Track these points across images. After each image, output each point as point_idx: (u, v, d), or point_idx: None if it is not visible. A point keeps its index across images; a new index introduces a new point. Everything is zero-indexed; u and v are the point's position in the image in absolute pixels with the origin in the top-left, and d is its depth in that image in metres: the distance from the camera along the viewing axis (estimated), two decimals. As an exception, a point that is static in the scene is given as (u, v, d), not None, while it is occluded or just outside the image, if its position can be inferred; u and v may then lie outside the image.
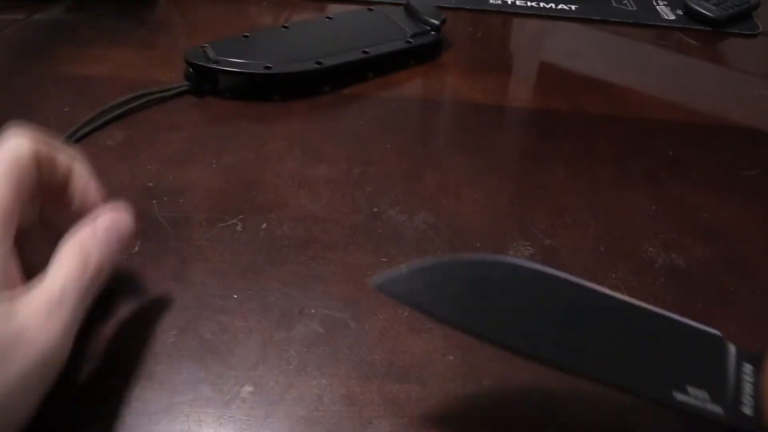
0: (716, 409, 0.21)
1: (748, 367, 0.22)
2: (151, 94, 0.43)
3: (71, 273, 0.22)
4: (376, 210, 0.36)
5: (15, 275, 0.22)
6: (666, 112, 0.47)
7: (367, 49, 0.47)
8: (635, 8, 0.61)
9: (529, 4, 0.60)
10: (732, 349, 0.23)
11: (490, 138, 0.43)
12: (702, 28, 0.59)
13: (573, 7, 0.60)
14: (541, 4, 0.60)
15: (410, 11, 0.53)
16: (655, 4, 0.63)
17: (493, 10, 0.60)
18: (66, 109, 0.42)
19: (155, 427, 0.25)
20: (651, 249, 0.34)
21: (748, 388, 0.22)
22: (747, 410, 0.21)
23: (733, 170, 0.41)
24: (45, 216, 0.26)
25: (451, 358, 0.28)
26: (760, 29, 0.60)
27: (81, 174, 0.27)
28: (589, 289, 0.23)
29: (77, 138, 0.39)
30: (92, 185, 0.27)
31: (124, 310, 0.29)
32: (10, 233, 0.22)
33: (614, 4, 0.62)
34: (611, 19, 0.59)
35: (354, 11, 0.53)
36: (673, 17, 0.60)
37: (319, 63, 0.45)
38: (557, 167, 0.40)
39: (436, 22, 0.51)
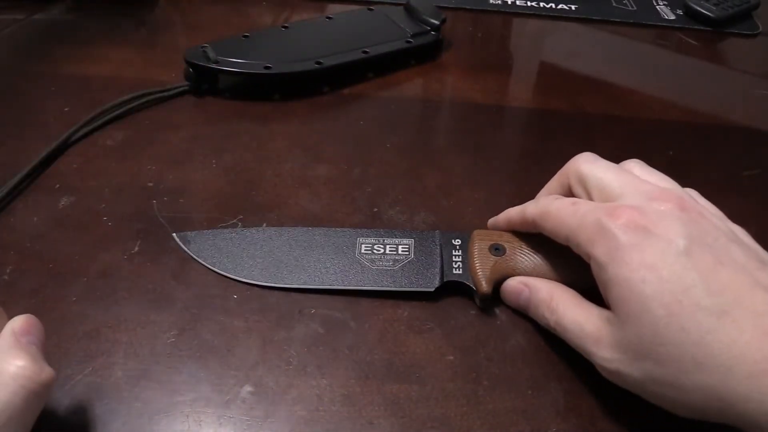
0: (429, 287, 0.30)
1: (456, 241, 0.32)
2: (150, 94, 0.43)
3: None
4: (376, 210, 0.36)
5: None
6: (666, 112, 0.46)
7: (367, 49, 0.47)
8: (635, 8, 0.61)
9: (529, 4, 0.60)
10: (437, 234, 0.32)
11: (490, 138, 0.43)
12: (702, 28, 0.59)
13: (573, 7, 0.60)
14: (541, 4, 0.60)
15: (410, 11, 0.53)
16: (655, 4, 0.63)
17: (493, 10, 0.60)
18: (66, 109, 0.42)
19: (155, 427, 0.25)
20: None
21: (456, 255, 0.31)
22: (457, 271, 0.30)
23: (733, 170, 0.41)
24: None
25: (451, 358, 0.28)
26: (760, 29, 0.60)
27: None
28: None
29: (77, 138, 0.39)
30: None
31: (125, 310, 0.29)
32: None
33: (614, 4, 0.62)
34: (611, 19, 0.59)
35: (354, 11, 0.53)
36: (673, 17, 0.60)
37: (319, 63, 0.45)
38: (557, 167, 0.39)
39: (436, 22, 0.51)
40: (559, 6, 0.60)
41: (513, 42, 0.57)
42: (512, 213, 0.31)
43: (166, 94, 0.44)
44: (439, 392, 0.26)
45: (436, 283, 0.30)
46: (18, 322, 0.23)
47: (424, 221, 0.35)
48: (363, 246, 0.32)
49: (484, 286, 0.29)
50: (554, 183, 0.31)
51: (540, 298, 0.28)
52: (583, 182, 0.28)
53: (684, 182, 0.28)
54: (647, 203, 0.25)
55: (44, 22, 0.53)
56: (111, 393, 0.25)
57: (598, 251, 0.24)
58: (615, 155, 0.41)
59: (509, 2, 0.60)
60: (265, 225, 0.34)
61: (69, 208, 0.35)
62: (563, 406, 0.26)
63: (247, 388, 0.26)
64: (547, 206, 0.28)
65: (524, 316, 0.30)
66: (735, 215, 0.26)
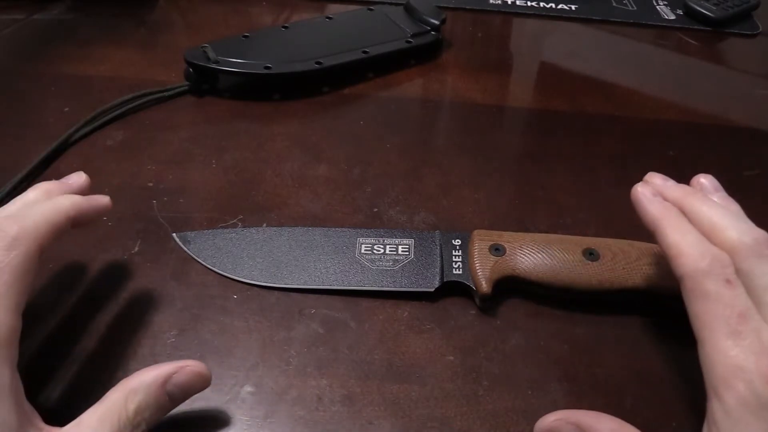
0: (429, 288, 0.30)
1: (456, 241, 0.32)
2: (150, 94, 0.43)
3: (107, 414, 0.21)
4: (376, 210, 0.36)
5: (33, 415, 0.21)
6: (666, 112, 0.46)
7: (367, 49, 0.47)
8: (635, 8, 0.61)
9: (529, 4, 0.60)
10: (437, 234, 0.32)
11: (490, 138, 0.43)
12: (702, 28, 0.59)
13: (573, 7, 0.60)
14: (541, 4, 0.60)
15: (410, 11, 0.53)
16: (655, 4, 0.63)
17: (493, 10, 0.59)
18: (66, 109, 0.42)
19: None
20: (651, 249, 0.34)
21: (456, 256, 0.31)
22: (457, 271, 0.30)
23: (734, 170, 0.41)
24: None
25: (451, 358, 0.28)
26: (760, 29, 0.60)
27: None
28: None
29: (77, 138, 0.39)
30: None
31: (125, 310, 0.29)
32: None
33: (614, 4, 0.62)
34: (611, 19, 0.59)
35: (354, 11, 0.53)
36: (673, 17, 0.60)
37: (319, 63, 0.45)
38: (557, 167, 0.40)
39: (436, 21, 0.51)
40: (559, 6, 0.60)
41: (513, 42, 0.57)
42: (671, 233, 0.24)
43: (166, 94, 0.44)
44: (439, 392, 0.26)
45: (436, 283, 0.30)
46: (173, 368, 0.23)
47: (424, 221, 0.35)
48: (363, 246, 0.32)
49: (484, 286, 0.29)
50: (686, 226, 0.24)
51: None
52: (744, 277, 0.22)
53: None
54: None
55: (44, 22, 0.53)
56: (111, 393, 0.25)
57: (731, 397, 0.20)
58: (615, 155, 0.42)
59: (509, 2, 0.60)
60: (265, 225, 0.34)
61: (69, 208, 0.34)
62: (563, 406, 0.26)
63: (247, 388, 0.26)
64: (706, 279, 0.22)
65: (524, 316, 0.30)
66: (735, 215, 0.26)
